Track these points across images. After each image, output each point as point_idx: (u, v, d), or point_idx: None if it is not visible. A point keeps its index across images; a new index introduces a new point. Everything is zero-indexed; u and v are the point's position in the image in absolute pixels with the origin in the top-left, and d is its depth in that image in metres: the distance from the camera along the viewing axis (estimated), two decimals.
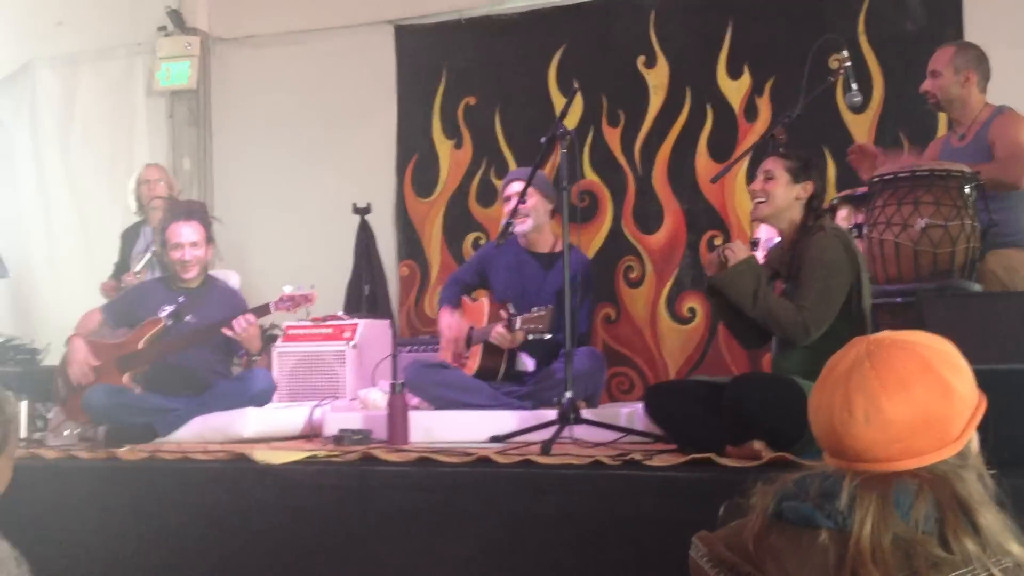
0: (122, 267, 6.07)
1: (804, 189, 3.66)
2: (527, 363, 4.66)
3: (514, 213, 4.66)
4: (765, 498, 1.60)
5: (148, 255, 5.63)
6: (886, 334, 1.63)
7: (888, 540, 1.45)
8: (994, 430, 2.82)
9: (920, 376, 1.53)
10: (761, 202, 3.73)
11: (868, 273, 3.66)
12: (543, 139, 4.27)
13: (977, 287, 3.80)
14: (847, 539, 1.48)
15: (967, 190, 3.82)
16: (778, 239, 4.15)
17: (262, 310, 4.80)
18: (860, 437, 1.53)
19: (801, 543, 1.53)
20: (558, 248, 4.84)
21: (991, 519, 1.49)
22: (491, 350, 4.63)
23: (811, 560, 1.51)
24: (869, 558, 1.45)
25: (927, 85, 4.45)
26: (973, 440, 1.57)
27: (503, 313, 4.58)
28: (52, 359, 5.47)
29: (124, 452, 4.13)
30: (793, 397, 3.23)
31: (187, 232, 4.91)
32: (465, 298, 5.04)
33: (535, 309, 4.31)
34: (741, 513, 1.63)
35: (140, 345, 4.81)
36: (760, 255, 4.26)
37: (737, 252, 3.64)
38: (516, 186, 4.79)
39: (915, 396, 1.52)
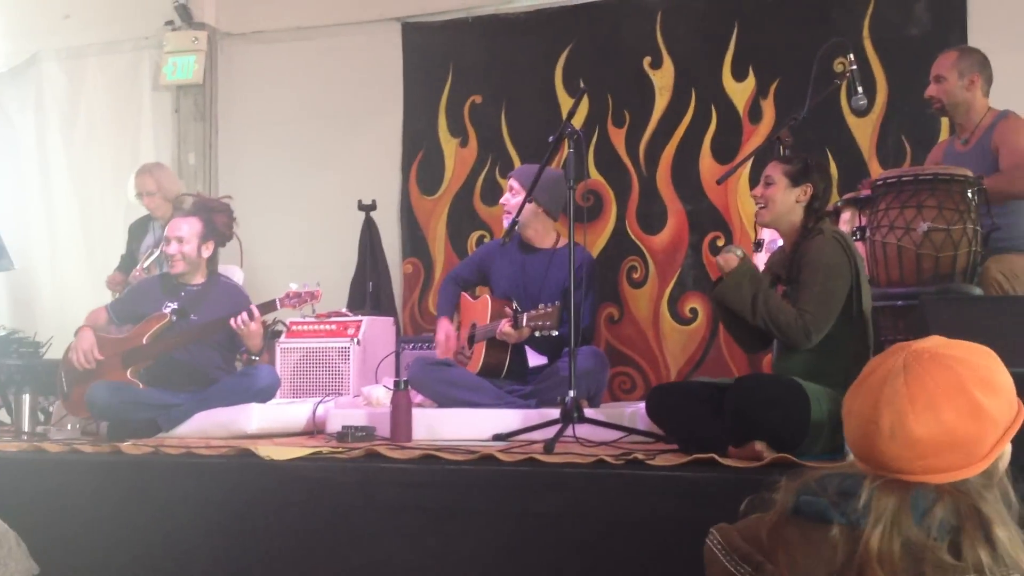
0: (128, 260, 6.07)
1: (804, 192, 3.66)
2: (536, 358, 4.69)
3: (514, 215, 4.69)
4: (787, 493, 1.62)
5: (157, 251, 5.65)
6: (929, 344, 1.61)
7: (898, 545, 1.47)
8: None
9: (951, 397, 1.52)
10: (762, 207, 3.75)
11: (867, 275, 3.67)
12: (551, 138, 4.30)
13: (978, 291, 3.82)
14: (858, 537, 1.50)
15: (970, 194, 3.84)
16: (781, 241, 4.17)
17: (268, 307, 4.82)
18: (884, 451, 1.53)
19: (813, 537, 1.55)
20: (560, 244, 4.88)
21: (1009, 534, 1.49)
22: (495, 347, 4.65)
23: (820, 554, 1.53)
24: (875, 560, 1.47)
25: (931, 91, 4.47)
26: (1003, 457, 1.57)
27: (507, 310, 4.59)
28: (54, 352, 5.49)
29: (127, 446, 4.14)
30: (795, 399, 3.26)
31: (180, 227, 4.94)
32: (466, 295, 5.06)
33: (541, 306, 4.33)
34: (763, 508, 1.65)
35: (144, 340, 4.83)
36: (764, 257, 4.27)
37: (729, 261, 3.64)
38: (511, 182, 4.92)
39: (943, 417, 1.51)
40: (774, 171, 3.73)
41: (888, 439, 1.53)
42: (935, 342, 1.62)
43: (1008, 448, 1.58)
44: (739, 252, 3.69)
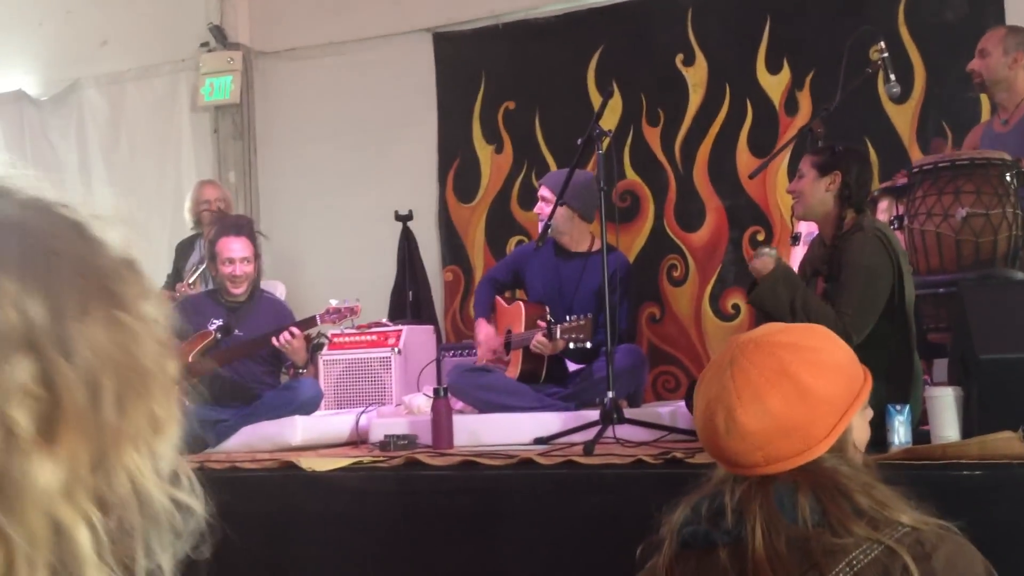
0: (175, 278, 6.15)
1: (832, 181, 3.61)
2: (569, 363, 4.67)
3: (546, 223, 4.68)
4: (670, 530, 1.62)
5: (202, 267, 5.71)
6: (754, 335, 1.62)
7: (782, 544, 1.46)
8: None
9: (775, 384, 1.52)
10: (795, 201, 3.71)
11: (910, 268, 3.59)
12: (579, 141, 4.29)
13: (1020, 275, 3.75)
14: (744, 551, 1.49)
15: (1008, 178, 3.77)
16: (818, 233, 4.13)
17: (308, 323, 4.86)
18: (725, 447, 1.55)
19: (707, 565, 1.55)
20: (595, 247, 4.85)
21: (877, 497, 1.49)
22: (531, 355, 4.64)
23: None
24: (767, 567, 1.47)
25: (974, 64, 4.41)
26: (851, 429, 1.56)
27: (541, 323, 4.55)
28: None
29: None
30: None
31: (237, 247, 4.97)
32: (500, 300, 5.06)
33: (574, 317, 4.31)
34: (657, 550, 1.65)
35: (190, 358, 4.89)
36: (802, 250, 4.23)
37: (764, 265, 3.59)
38: (544, 191, 4.87)
39: (769, 406, 1.51)
40: (804, 164, 3.71)
41: (725, 435, 1.54)
42: (764, 330, 1.64)
43: (859, 420, 1.58)
44: (773, 254, 3.64)
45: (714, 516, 1.56)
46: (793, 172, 5.50)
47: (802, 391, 1.52)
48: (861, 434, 1.61)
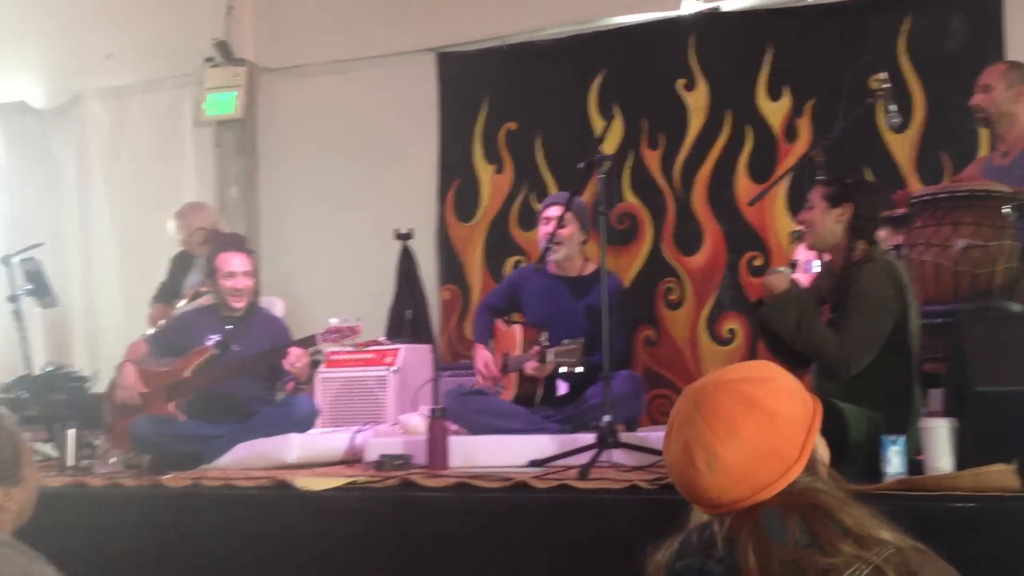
0: (170, 288, 6.12)
1: (842, 213, 3.61)
2: (560, 387, 4.67)
3: (551, 239, 4.69)
4: (657, 567, 1.66)
5: (197, 298, 5.65)
6: (708, 379, 1.70)
7: (776, 566, 1.51)
8: None
9: (746, 414, 1.60)
10: (807, 232, 3.71)
11: (917, 303, 3.58)
12: (580, 165, 4.30)
13: (1017, 307, 3.75)
14: None
15: (1007, 210, 3.78)
16: (816, 261, 4.13)
17: (308, 341, 4.84)
18: (708, 487, 1.60)
19: None
20: (587, 271, 4.87)
21: (856, 514, 1.56)
22: (526, 378, 4.64)
23: None
24: None
25: (977, 99, 4.42)
26: (817, 448, 1.64)
27: (535, 348, 4.55)
28: (100, 387, 5.56)
29: (168, 479, 4.18)
30: (834, 421, 3.21)
31: (238, 261, 4.98)
32: (500, 323, 5.06)
33: (566, 341, 4.31)
34: None
35: (187, 373, 4.88)
36: (800, 277, 4.23)
37: (779, 283, 3.61)
38: (554, 210, 4.83)
39: (745, 435, 1.59)
40: (814, 195, 3.71)
41: (708, 474, 1.59)
42: (714, 374, 1.72)
43: (820, 440, 1.66)
44: (787, 273, 3.66)
45: (705, 546, 1.60)
46: (792, 199, 5.57)
47: (770, 415, 1.60)
48: (824, 453, 1.68)
